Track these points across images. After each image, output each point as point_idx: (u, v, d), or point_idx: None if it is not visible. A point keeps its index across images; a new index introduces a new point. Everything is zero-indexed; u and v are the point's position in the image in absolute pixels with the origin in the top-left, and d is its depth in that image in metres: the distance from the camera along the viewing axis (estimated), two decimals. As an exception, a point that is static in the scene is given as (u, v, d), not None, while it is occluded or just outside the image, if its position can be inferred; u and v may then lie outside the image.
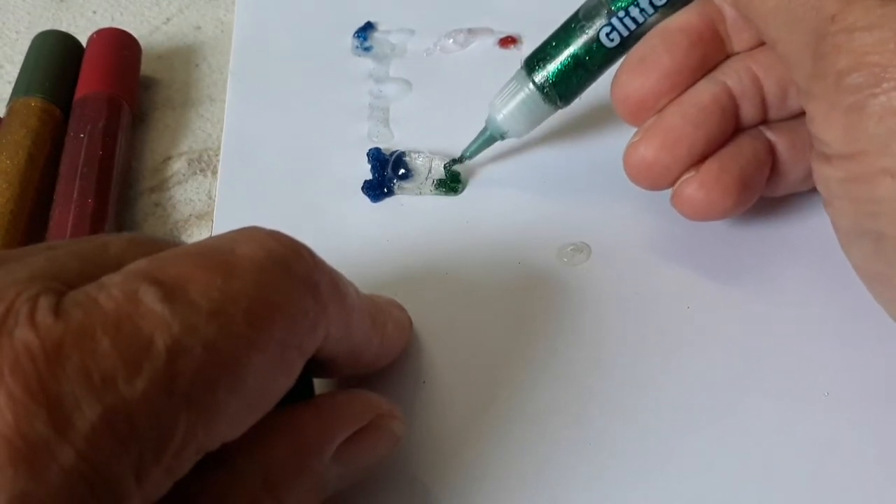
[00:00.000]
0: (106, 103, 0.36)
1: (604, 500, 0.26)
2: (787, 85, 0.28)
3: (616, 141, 0.34)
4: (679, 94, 0.29)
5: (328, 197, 0.34)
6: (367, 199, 0.34)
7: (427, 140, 0.35)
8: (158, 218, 0.35)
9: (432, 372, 0.29)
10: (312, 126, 0.36)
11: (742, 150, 0.29)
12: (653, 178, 0.29)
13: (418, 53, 0.38)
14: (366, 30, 0.39)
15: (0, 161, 0.33)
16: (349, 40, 0.39)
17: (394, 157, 0.34)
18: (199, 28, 0.42)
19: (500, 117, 0.32)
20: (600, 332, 0.30)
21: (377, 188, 0.34)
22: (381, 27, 0.39)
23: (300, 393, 0.23)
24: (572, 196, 0.33)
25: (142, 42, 0.40)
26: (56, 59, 0.38)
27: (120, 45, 0.39)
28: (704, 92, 0.28)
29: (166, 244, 0.21)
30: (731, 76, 0.28)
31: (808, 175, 0.28)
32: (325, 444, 0.23)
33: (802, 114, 0.27)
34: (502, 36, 0.38)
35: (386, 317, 0.27)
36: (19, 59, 0.38)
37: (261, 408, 0.20)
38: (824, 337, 0.29)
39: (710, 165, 0.28)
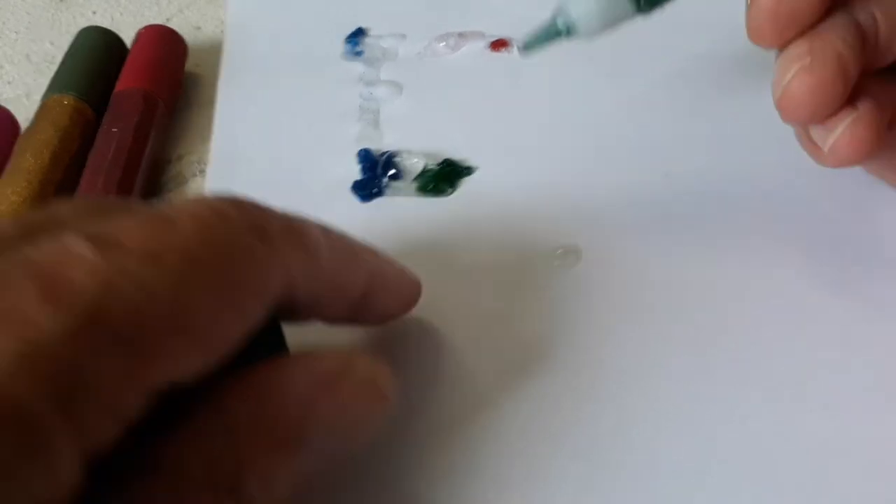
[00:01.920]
0: (142, 99, 0.36)
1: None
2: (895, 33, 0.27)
3: (607, 143, 0.34)
4: (822, 18, 0.27)
5: (318, 198, 0.33)
6: (356, 200, 0.33)
7: (418, 142, 0.35)
8: None
9: (423, 375, 0.29)
10: (302, 129, 0.36)
11: (876, 91, 0.27)
12: (818, 109, 0.27)
13: (409, 57, 0.38)
14: (357, 35, 0.39)
15: (24, 160, 0.33)
16: (340, 45, 0.39)
17: (384, 157, 0.34)
18: (198, 28, 0.42)
19: (573, 4, 0.29)
20: (592, 335, 0.29)
21: (367, 188, 0.33)
22: (372, 32, 0.39)
23: (272, 348, 0.22)
24: (563, 199, 0.33)
25: (142, 42, 0.39)
26: (95, 57, 0.38)
27: (163, 42, 0.39)
28: (850, 24, 0.27)
29: (115, 207, 0.21)
30: (861, 14, 0.27)
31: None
32: (295, 400, 0.22)
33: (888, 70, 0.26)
34: (493, 39, 0.38)
35: (371, 255, 0.26)
36: (19, 59, 0.38)
37: (212, 349, 0.20)
38: (823, 340, 0.29)
39: (867, 104, 0.27)
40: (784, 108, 0.27)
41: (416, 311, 0.30)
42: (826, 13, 0.27)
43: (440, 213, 0.33)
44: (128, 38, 0.39)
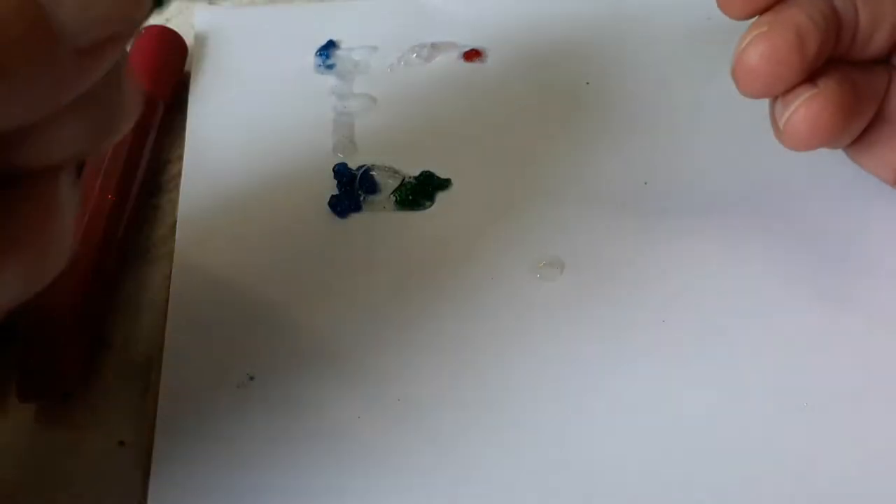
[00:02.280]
0: (142, 99, 0.35)
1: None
2: (878, 24, 0.27)
3: (585, 153, 0.34)
4: None
5: (294, 213, 0.33)
6: (334, 216, 0.33)
7: (394, 154, 0.34)
8: (158, 219, 0.34)
9: (406, 389, 0.28)
10: (276, 144, 0.35)
11: (843, 76, 0.27)
12: (770, 81, 0.26)
13: (382, 69, 0.38)
14: (328, 48, 0.38)
15: None
16: (311, 59, 0.38)
17: (361, 171, 0.33)
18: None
19: None
20: (575, 347, 0.29)
21: (344, 204, 0.33)
22: (343, 45, 0.38)
23: None
24: (544, 211, 0.32)
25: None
26: None
27: (163, 42, 0.38)
28: (823, 4, 0.26)
29: None
30: (839, 0, 0.27)
31: (858, 130, 0.28)
32: None
33: (871, 60, 0.26)
34: (466, 49, 0.38)
35: None
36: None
37: None
38: (803, 346, 0.29)
39: (829, 83, 0.27)
40: (738, 77, 0.27)
41: (398, 324, 0.30)
42: None
43: (419, 226, 0.32)
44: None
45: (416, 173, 0.33)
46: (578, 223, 0.32)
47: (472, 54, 0.37)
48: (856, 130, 0.29)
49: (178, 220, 0.33)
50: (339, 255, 0.32)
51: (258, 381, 0.29)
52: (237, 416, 0.28)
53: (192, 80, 0.38)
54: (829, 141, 0.27)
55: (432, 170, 0.34)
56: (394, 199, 0.33)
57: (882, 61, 0.29)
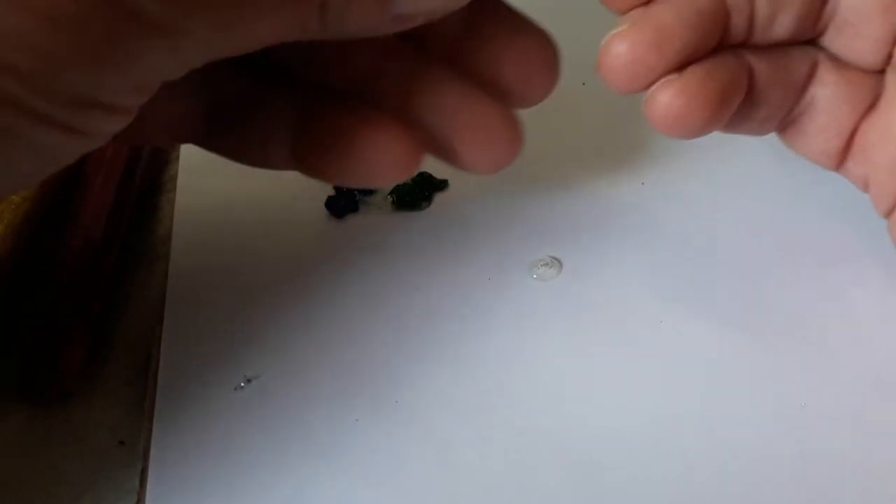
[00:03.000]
0: None
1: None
2: (779, 8, 0.26)
3: (584, 157, 0.34)
4: None
5: (292, 214, 0.33)
6: (331, 216, 0.33)
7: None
8: (158, 219, 0.34)
9: (405, 391, 0.28)
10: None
11: (725, 64, 0.27)
12: (631, 78, 0.26)
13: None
14: (323, 47, 0.38)
15: None
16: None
17: (358, 172, 0.34)
18: None
19: None
20: (572, 348, 0.29)
21: (341, 204, 0.33)
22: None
23: None
24: (541, 211, 0.33)
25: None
26: None
27: None
28: None
29: None
30: None
31: (771, 117, 0.27)
32: None
33: (784, 44, 0.26)
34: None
35: None
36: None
37: None
38: (801, 347, 0.29)
39: (695, 71, 0.26)
40: (601, 73, 0.26)
41: (395, 324, 0.30)
42: None
43: (417, 227, 0.33)
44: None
45: (413, 174, 0.33)
46: (575, 224, 0.32)
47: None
48: (765, 119, 0.28)
49: (175, 220, 0.33)
50: (337, 256, 0.32)
51: (256, 382, 0.29)
52: (235, 418, 0.28)
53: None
54: (695, 129, 0.26)
55: (429, 171, 0.34)
56: (391, 199, 0.33)
57: (805, 44, 0.28)
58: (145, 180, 0.34)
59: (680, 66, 0.26)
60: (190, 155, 0.35)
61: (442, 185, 0.34)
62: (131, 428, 0.28)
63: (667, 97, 0.26)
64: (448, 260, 0.32)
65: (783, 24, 0.27)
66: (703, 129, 0.26)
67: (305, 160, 0.27)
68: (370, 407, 0.28)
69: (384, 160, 0.26)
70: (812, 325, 0.29)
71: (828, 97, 0.28)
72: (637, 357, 0.29)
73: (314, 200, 0.33)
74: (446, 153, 0.27)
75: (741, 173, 0.34)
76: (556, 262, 0.31)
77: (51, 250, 0.31)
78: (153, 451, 0.27)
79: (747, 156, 0.34)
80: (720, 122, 0.27)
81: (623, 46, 0.26)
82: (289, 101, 0.26)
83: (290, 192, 0.34)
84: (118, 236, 0.32)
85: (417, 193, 0.33)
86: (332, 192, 0.33)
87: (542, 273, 0.31)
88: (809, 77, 0.28)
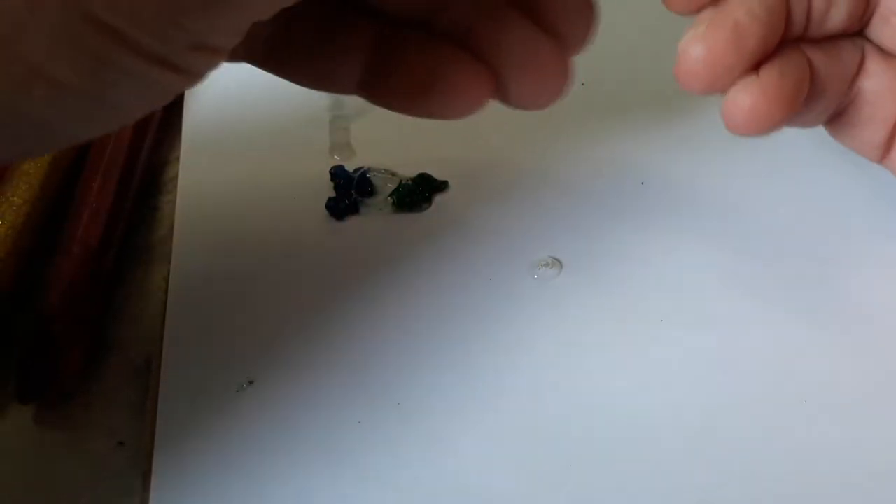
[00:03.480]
0: None
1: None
2: (832, 1, 0.27)
3: (584, 157, 0.34)
4: None
5: (293, 216, 0.33)
6: (332, 218, 0.33)
7: (391, 157, 0.34)
8: (158, 220, 0.34)
9: (406, 393, 0.28)
10: (273, 146, 0.35)
11: (794, 62, 0.27)
12: (711, 80, 0.26)
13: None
14: (323, 49, 0.38)
15: (24, 163, 0.33)
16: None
17: (358, 174, 0.33)
18: None
19: None
20: (574, 347, 0.29)
21: (342, 206, 0.33)
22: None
23: None
24: (541, 211, 0.33)
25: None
26: None
27: None
28: None
29: None
30: None
31: (826, 109, 0.28)
32: None
33: (838, 36, 0.26)
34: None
35: None
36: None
37: None
38: (802, 344, 0.29)
39: (770, 71, 0.26)
40: (679, 77, 0.26)
41: (397, 326, 0.30)
42: None
43: (417, 228, 0.33)
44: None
45: (414, 175, 0.34)
46: (576, 224, 0.32)
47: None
48: (821, 112, 0.28)
49: (176, 222, 0.33)
50: (337, 258, 0.32)
51: (258, 384, 0.28)
52: (237, 420, 0.28)
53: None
54: (772, 127, 0.27)
55: (429, 172, 0.34)
56: (391, 201, 0.33)
57: (854, 35, 0.28)
58: (145, 181, 0.34)
59: (756, 65, 0.26)
60: (191, 156, 0.35)
61: (442, 185, 0.34)
62: (131, 429, 0.28)
63: (749, 99, 0.26)
64: (449, 261, 0.32)
65: (836, 17, 0.27)
66: (778, 126, 0.27)
67: (376, 89, 0.27)
68: (372, 409, 0.28)
69: (460, 93, 0.27)
70: (812, 324, 0.29)
71: (874, 88, 0.28)
72: (639, 355, 0.29)
73: (315, 202, 0.33)
74: (499, 89, 0.27)
75: (741, 174, 0.34)
76: (557, 263, 0.31)
77: (51, 250, 0.31)
78: (156, 454, 0.27)
79: (748, 156, 0.34)
80: (791, 118, 0.27)
81: (701, 48, 0.26)
82: (364, 29, 0.27)
83: (290, 194, 0.34)
84: (117, 237, 0.32)
85: (418, 194, 0.33)
86: (332, 193, 0.33)
87: (542, 273, 0.31)
88: (859, 68, 0.28)
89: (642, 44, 0.37)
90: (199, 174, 0.34)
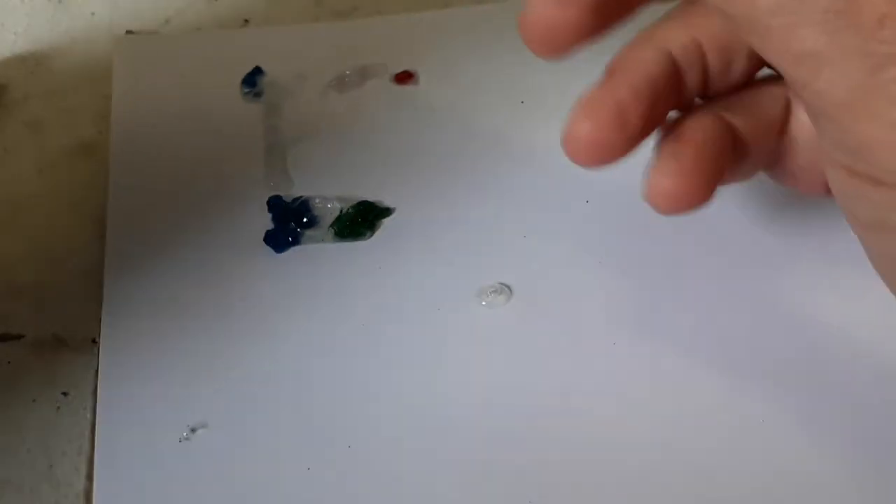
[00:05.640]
0: None
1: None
2: (730, 55, 0.26)
3: (530, 179, 0.33)
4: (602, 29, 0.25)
5: (229, 252, 0.32)
6: (270, 251, 0.32)
7: (330, 183, 0.33)
8: None
9: (356, 434, 0.27)
10: (206, 179, 0.34)
11: (710, 133, 0.26)
12: (595, 157, 0.26)
13: (312, 96, 0.37)
14: (254, 75, 0.37)
15: None
16: (237, 87, 0.37)
17: (297, 203, 0.32)
18: (198, 29, 0.40)
19: None
20: (526, 373, 0.29)
21: (281, 238, 0.32)
22: (270, 72, 0.37)
23: None
24: (488, 236, 0.32)
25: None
26: None
27: None
28: (651, 62, 0.26)
29: None
30: (674, 43, 0.26)
31: (757, 164, 0.27)
32: None
33: (745, 88, 0.26)
34: (398, 72, 0.37)
35: None
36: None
37: None
38: (754, 366, 0.29)
39: (686, 151, 0.26)
40: (565, 150, 0.26)
41: (343, 362, 0.29)
42: (633, 45, 0.26)
43: (360, 257, 0.32)
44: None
45: (354, 202, 0.33)
46: (523, 248, 0.32)
47: (404, 76, 0.37)
48: (750, 168, 0.28)
49: (106, 262, 0.32)
50: (278, 293, 0.31)
51: (200, 433, 0.27)
52: (181, 472, 0.27)
53: (113, 111, 0.36)
54: (700, 204, 0.26)
55: (372, 197, 0.33)
56: (333, 230, 0.32)
57: (776, 79, 0.27)
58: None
59: (643, 136, 0.26)
60: (121, 190, 0.34)
61: (385, 212, 0.33)
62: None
63: (669, 182, 0.25)
64: (394, 291, 0.31)
65: (739, 69, 0.26)
66: (705, 202, 0.26)
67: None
68: (322, 453, 0.27)
69: None
70: (767, 346, 0.29)
71: (805, 136, 0.27)
72: (591, 381, 0.29)
73: (252, 235, 0.32)
74: None
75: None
76: (506, 289, 0.30)
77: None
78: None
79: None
80: (717, 189, 0.26)
81: (587, 127, 0.25)
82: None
83: (227, 226, 0.33)
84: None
85: (360, 223, 0.32)
86: (270, 225, 0.32)
87: (491, 300, 0.30)
88: (786, 116, 0.27)
89: (580, 61, 0.37)
90: (129, 202, 0.33)
